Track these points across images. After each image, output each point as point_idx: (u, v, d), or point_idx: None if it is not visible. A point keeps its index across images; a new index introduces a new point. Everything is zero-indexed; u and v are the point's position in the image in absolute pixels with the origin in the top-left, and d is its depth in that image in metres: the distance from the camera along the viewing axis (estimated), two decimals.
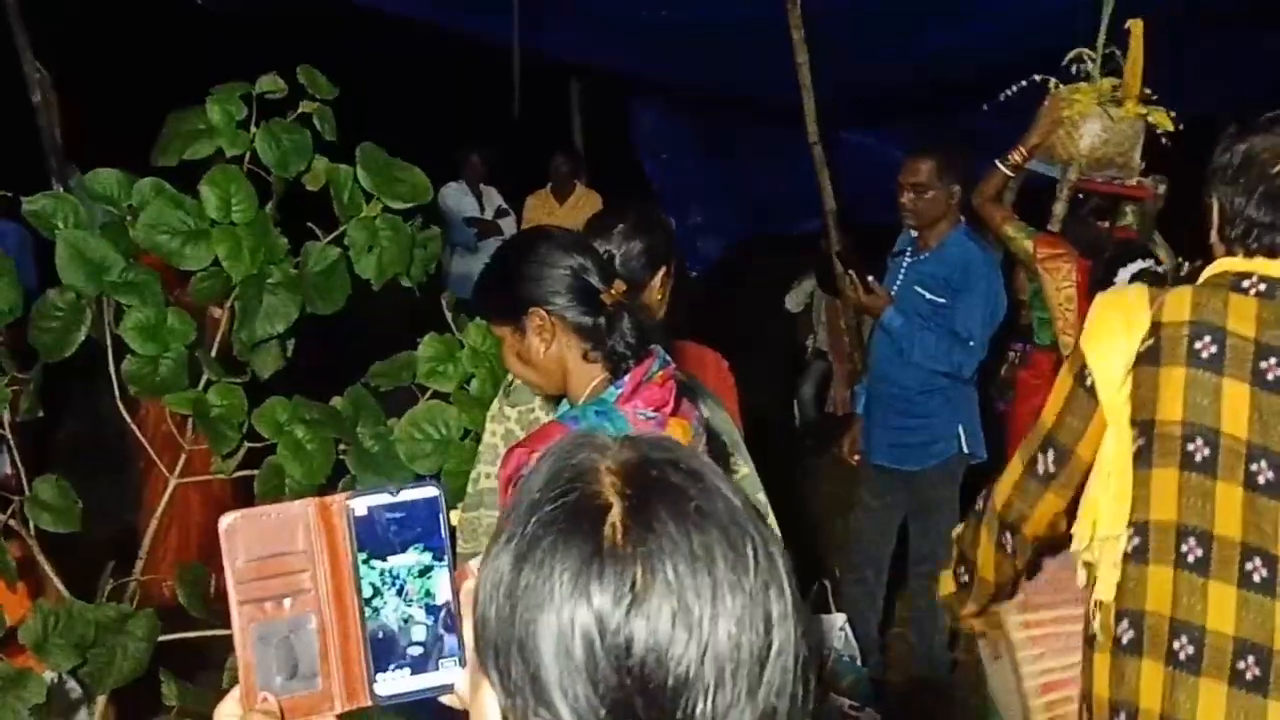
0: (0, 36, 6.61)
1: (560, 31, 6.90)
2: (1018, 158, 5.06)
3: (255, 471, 2.97)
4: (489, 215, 8.94)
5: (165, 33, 8.87)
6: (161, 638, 2.80)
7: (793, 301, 9.09)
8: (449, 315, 3.36)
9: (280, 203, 3.10)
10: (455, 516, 2.96)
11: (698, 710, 0.94)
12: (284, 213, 3.11)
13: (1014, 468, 2.58)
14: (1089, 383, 2.41)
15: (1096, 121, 4.96)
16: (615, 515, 0.98)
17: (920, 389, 4.91)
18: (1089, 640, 2.51)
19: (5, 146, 7.07)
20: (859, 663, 5.06)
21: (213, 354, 3.03)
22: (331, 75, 3.16)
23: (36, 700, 2.65)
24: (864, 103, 7.41)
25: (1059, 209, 5.21)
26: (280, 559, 1.09)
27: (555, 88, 9.43)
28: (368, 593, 1.09)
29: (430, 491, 1.11)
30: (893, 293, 4.95)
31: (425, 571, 1.10)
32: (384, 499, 1.10)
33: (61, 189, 6.48)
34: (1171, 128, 5.01)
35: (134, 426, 3.16)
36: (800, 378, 8.96)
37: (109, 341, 2.93)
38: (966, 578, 2.80)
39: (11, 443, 2.93)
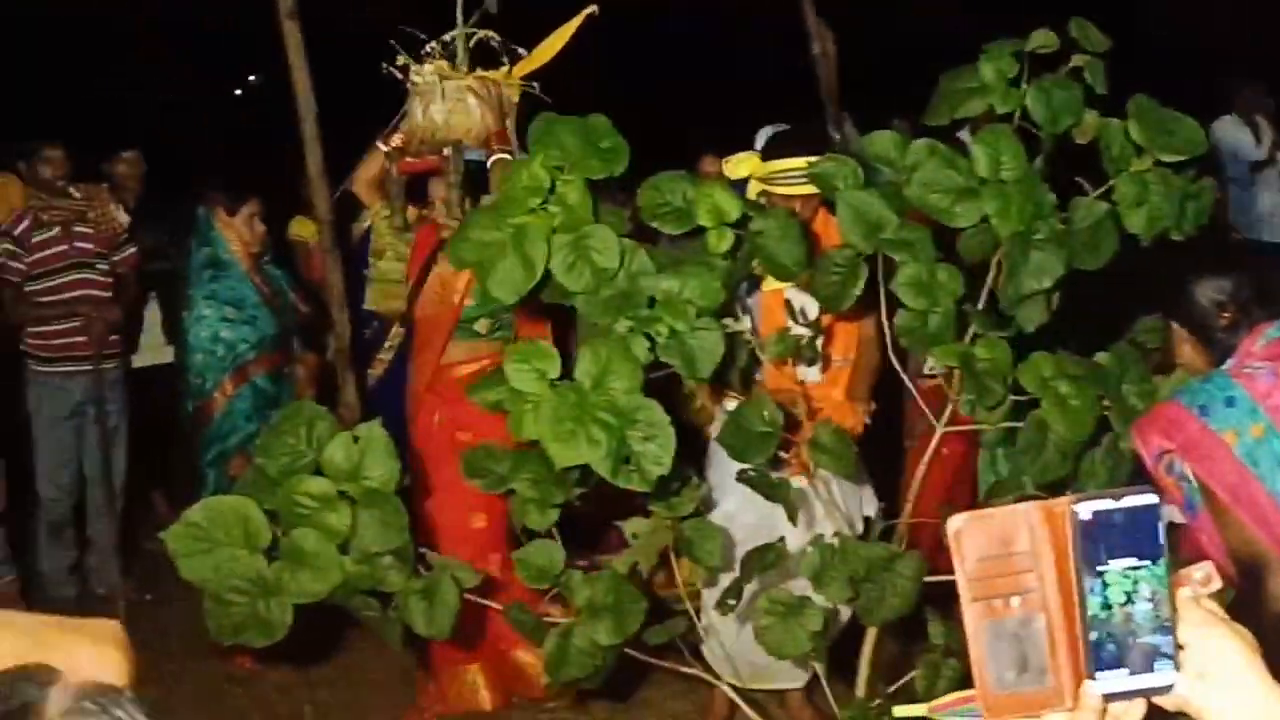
0: None
1: None
2: (397, 140, 4.83)
3: (1019, 424, 3.03)
4: (1264, 147, 8.38)
5: None
6: (927, 579, 2.94)
7: None
8: None
9: (1047, 157, 3.12)
10: None
11: None
12: (1051, 167, 3.13)
13: None
14: None
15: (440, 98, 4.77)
16: None
17: None
18: None
19: (788, 97, 7.59)
20: None
21: (979, 308, 3.12)
22: (1101, 25, 3.13)
23: (815, 628, 2.90)
24: None
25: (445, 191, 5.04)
26: (1006, 559, 1.14)
27: None
28: (1089, 594, 1.11)
29: (1150, 499, 1.12)
30: None
31: (1144, 576, 1.11)
32: (1107, 504, 1.12)
33: (837, 136, 6.87)
34: (517, 98, 4.93)
35: (905, 377, 3.33)
36: None
37: (882, 296, 3.10)
38: None
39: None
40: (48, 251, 6.18)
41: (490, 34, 5.00)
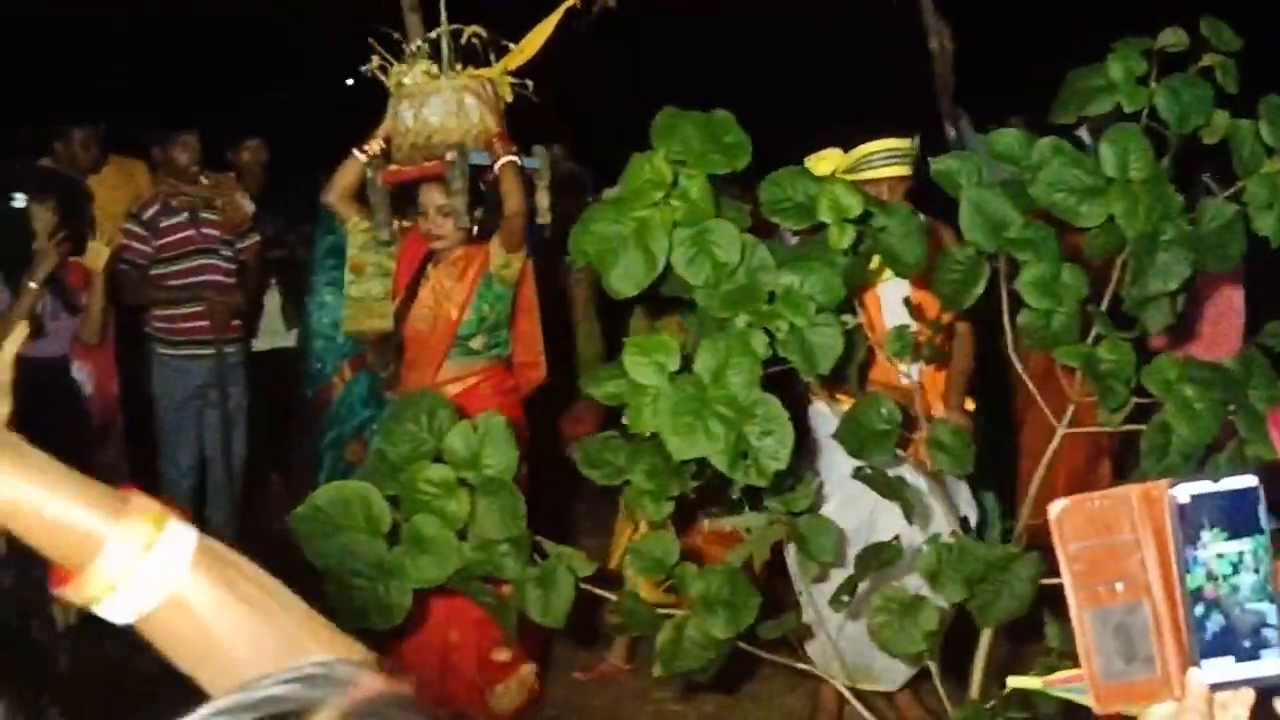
0: None
1: None
2: (376, 147, 4.60)
3: (1141, 427, 2.99)
4: None
5: None
6: (1044, 580, 2.92)
7: None
8: None
9: (1175, 157, 3.07)
10: None
11: None
12: (1178, 167, 3.09)
13: None
14: None
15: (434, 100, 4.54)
16: None
17: None
18: None
19: (904, 89, 7.54)
20: None
21: (1103, 308, 3.09)
22: (1235, 25, 3.08)
23: (930, 627, 2.89)
24: None
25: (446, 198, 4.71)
26: (1109, 545, 1.12)
27: None
28: (1192, 579, 1.10)
29: (1250, 481, 1.10)
30: None
31: (1247, 561, 1.09)
32: (1206, 487, 1.10)
33: (952, 132, 6.81)
34: (511, 96, 4.66)
35: (1021, 371, 3.30)
36: None
37: (1004, 294, 3.08)
38: None
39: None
40: (174, 236, 6.32)
41: (478, 30, 4.75)
